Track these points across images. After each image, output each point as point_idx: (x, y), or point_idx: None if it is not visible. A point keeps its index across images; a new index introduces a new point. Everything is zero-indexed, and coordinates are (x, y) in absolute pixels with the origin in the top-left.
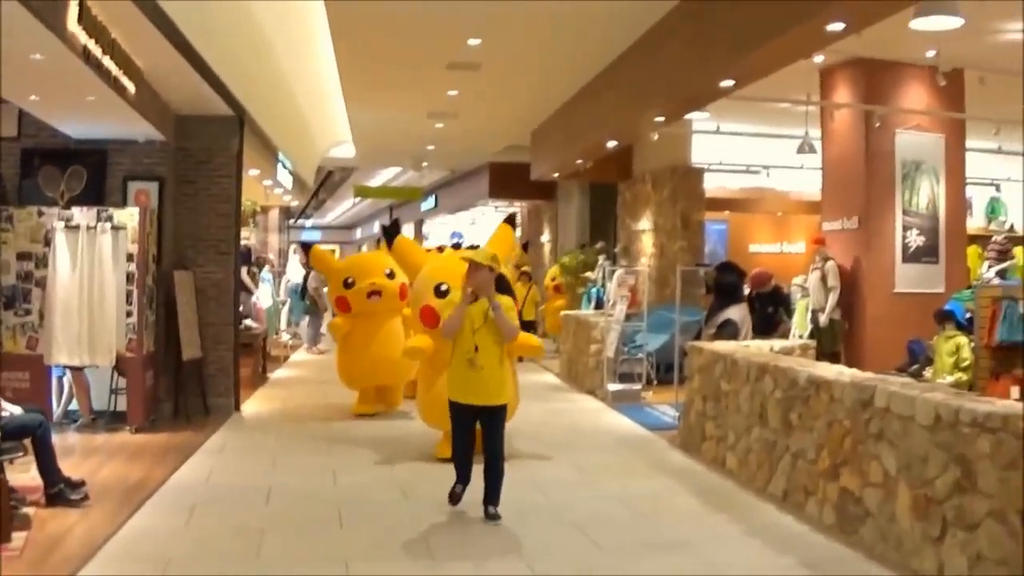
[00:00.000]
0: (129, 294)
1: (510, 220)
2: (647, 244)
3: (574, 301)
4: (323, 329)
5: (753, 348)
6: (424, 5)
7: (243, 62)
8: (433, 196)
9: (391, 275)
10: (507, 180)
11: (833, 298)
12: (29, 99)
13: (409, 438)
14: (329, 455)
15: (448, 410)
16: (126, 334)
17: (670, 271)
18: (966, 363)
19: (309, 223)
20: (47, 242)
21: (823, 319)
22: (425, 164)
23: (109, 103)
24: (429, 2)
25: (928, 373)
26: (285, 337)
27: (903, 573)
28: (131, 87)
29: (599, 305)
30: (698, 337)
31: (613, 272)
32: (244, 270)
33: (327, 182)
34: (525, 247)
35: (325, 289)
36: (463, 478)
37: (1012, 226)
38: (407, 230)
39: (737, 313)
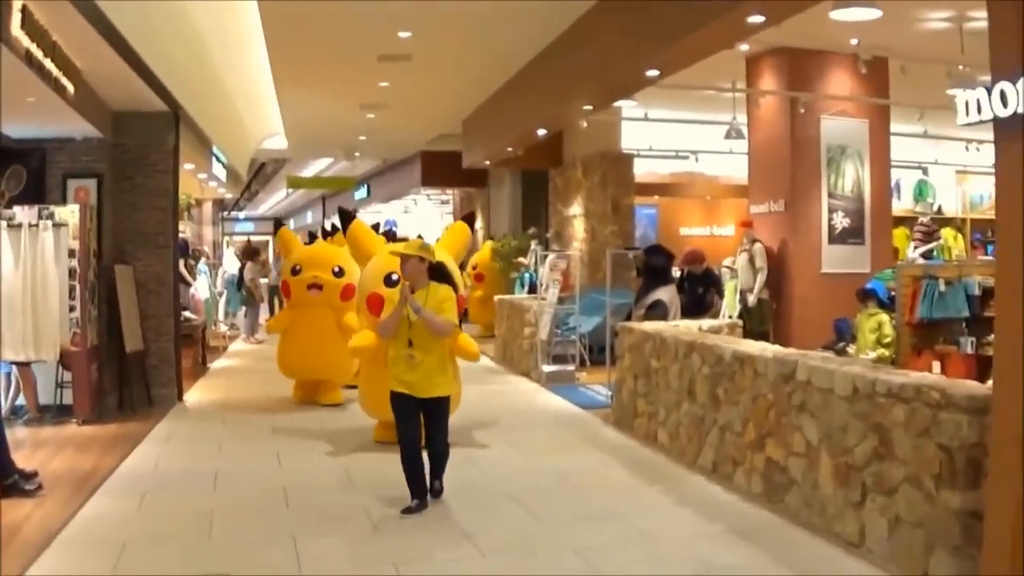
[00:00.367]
0: (72, 289)
1: (468, 218)
2: (579, 229)
3: (507, 286)
4: (260, 319)
5: (682, 327)
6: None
7: (178, 59)
8: (366, 186)
9: (339, 272)
10: (439, 168)
11: (761, 279)
12: None
13: (350, 422)
14: (273, 440)
15: (389, 401)
16: (70, 328)
17: (601, 255)
18: (888, 339)
19: (242, 215)
20: None
21: (751, 299)
22: (357, 154)
23: (49, 104)
24: None
25: (852, 350)
26: (223, 328)
27: (827, 537)
28: (71, 87)
29: (532, 289)
30: (629, 318)
31: (545, 257)
32: (181, 263)
33: (260, 174)
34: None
35: (262, 280)
36: (417, 493)
37: (939, 208)
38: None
39: (666, 294)
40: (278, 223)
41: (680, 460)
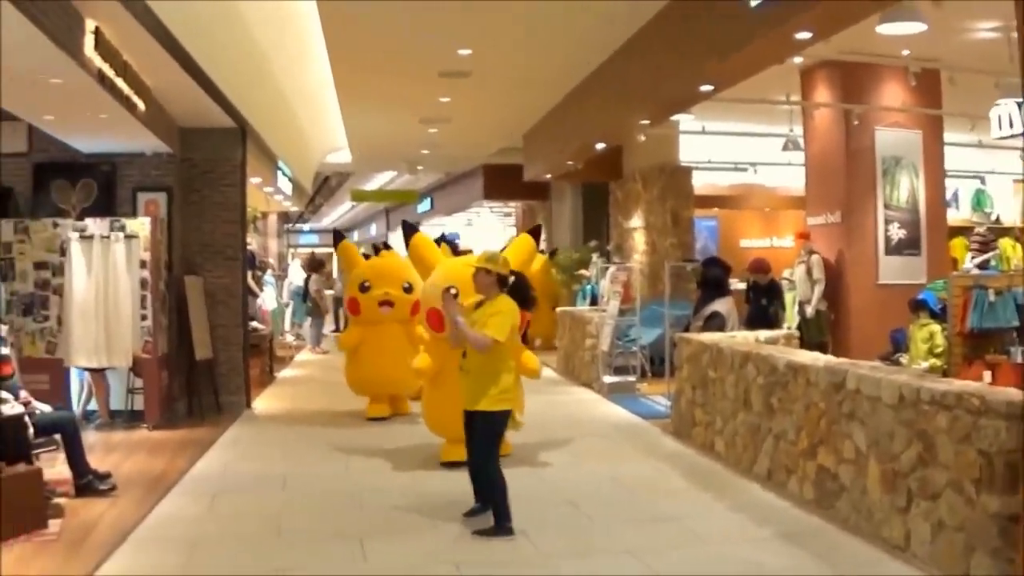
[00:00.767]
0: (143, 299)
1: (534, 232)
2: (639, 241)
3: (569, 298)
4: (325, 330)
5: (738, 338)
6: (416, 18)
7: (243, 76)
8: (429, 198)
9: (408, 289)
10: (501, 181)
11: (818, 290)
12: (44, 118)
13: (419, 433)
14: (340, 447)
15: (449, 420)
16: (141, 337)
17: (661, 267)
18: (940, 349)
19: (307, 227)
20: (62, 251)
21: (809, 310)
22: (420, 168)
23: (120, 120)
24: (420, 14)
25: (904, 360)
26: (289, 338)
27: (874, 542)
28: (141, 105)
29: (594, 301)
30: (687, 330)
31: (606, 269)
32: (249, 274)
33: (324, 187)
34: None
35: (327, 292)
36: (476, 495)
37: (997, 218)
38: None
39: (723, 306)
40: (338, 235)
41: (736, 468)
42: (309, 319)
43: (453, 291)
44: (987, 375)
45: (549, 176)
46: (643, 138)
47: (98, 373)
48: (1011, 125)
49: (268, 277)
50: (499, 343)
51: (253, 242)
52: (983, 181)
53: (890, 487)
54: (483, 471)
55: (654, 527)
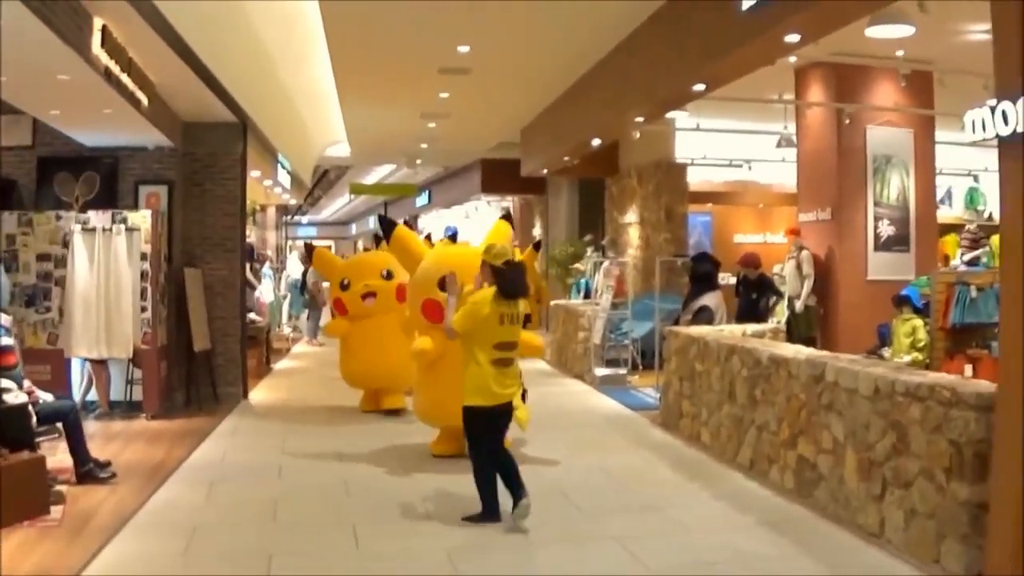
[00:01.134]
0: (144, 291)
1: (506, 216)
2: (633, 236)
3: (564, 291)
4: (322, 322)
5: (725, 331)
6: (416, 15)
7: (245, 72)
8: (427, 192)
9: (388, 276)
10: (498, 176)
11: (808, 285)
12: (50, 113)
13: (411, 428)
14: (334, 436)
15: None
16: (141, 328)
17: (655, 262)
18: (922, 343)
19: (305, 219)
20: (65, 244)
21: (799, 305)
22: (419, 162)
23: (125, 115)
24: (421, 12)
25: (887, 353)
26: (286, 330)
27: (851, 529)
28: (145, 100)
29: (587, 295)
30: (676, 323)
31: (600, 264)
32: (247, 266)
33: (323, 180)
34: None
35: (324, 284)
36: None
37: (990, 215)
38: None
39: (712, 300)
40: (309, 248)
41: (720, 458)
42: (306, 311)
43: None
44: (968, 369)
45: (546, 171)
46: (638, 135)
47: (99, 364)
48: (984, 129)
49: (266, 269)
50: (462, 335)
51: (252, 234)
52: (976, 179)
53: (866, 476)
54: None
55: (640, 515)
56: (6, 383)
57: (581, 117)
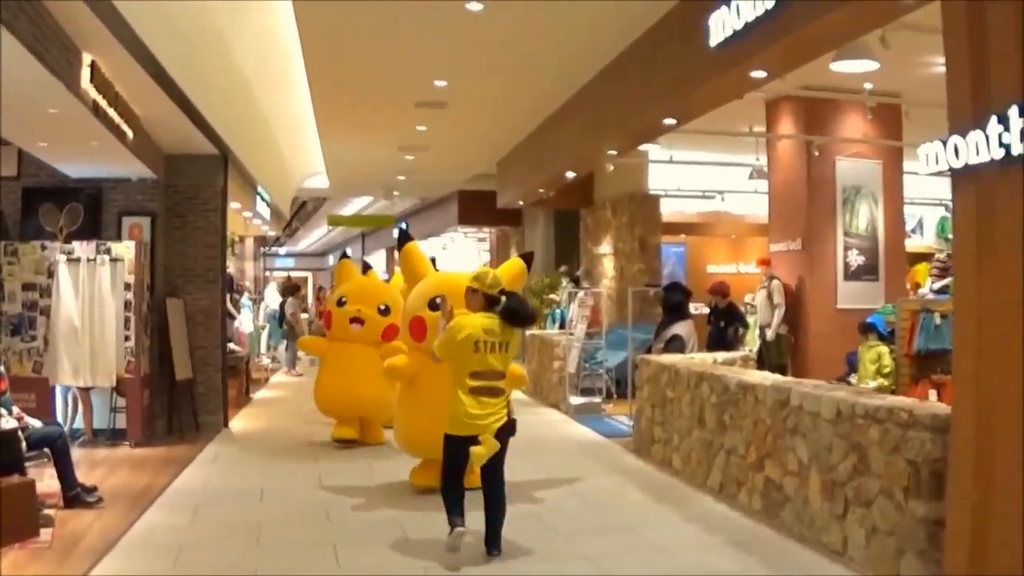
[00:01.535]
0: (127, 320)
1: (526, 257)
2: (608, 267)
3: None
4: (300, 353)
5: (696, 359)
6: (394, 51)
7: (228, 105)
8: (404, 223)
9: (385, 311)
10: (475, 207)
11: (779, 314)
12: (38, 145)
13: (387, 454)
14: (314, 463)
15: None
16: (125, 356)
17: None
18: (887, 370)
19: (283, 251)
20: (50, 274)
21: (770, 334)
22: (396, 193)
23: (110, 148)
24: (398, 48)
25: (854, 379)
26: (265, 360)
27: (815, 548)
28: (130, 133)
29: (563, 325)
30: (649, 352)
31: (576, 294)
32: (227, 297)
33: (301, 211)
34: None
35: (303, 315)
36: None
37: None
38: (379, 257)
39: (684, 329)
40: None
41: (691, 482)
42: (285, 342)
43: (438, 300)
44: (933, 394)
45: (522, 203)
46: (612, 167)
47: (83, 391)
48: (937, 162)
49: (245, 300)
50: (445, 363)
51: (231, 265)
52: (948, 208)
53: (829, 496)
54: None
55: (612, 536)
56: None
57: (556, 149)
